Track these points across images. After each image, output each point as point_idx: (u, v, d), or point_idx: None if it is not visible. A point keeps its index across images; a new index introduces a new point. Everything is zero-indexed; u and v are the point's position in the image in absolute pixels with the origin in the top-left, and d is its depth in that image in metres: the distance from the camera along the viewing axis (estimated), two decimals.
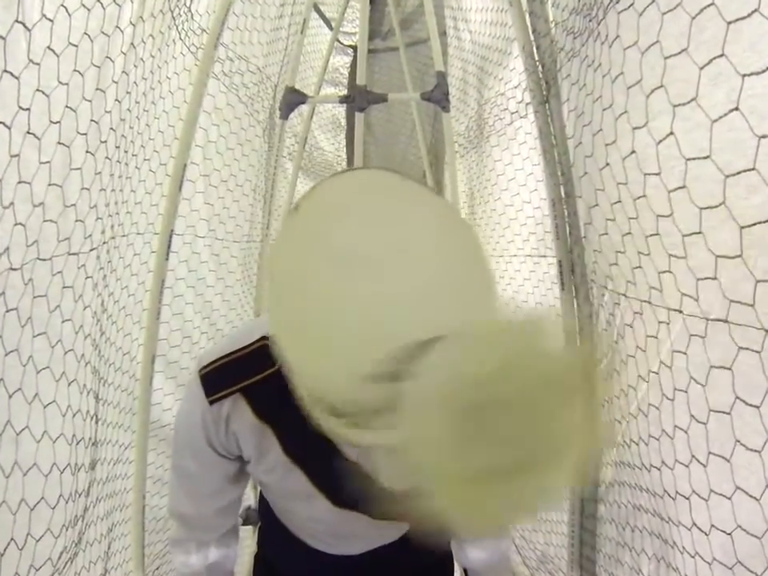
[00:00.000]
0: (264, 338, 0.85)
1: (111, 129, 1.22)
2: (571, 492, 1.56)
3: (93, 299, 1.25)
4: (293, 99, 2.28)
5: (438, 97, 2.13)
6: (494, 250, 2.22)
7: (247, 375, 0.85)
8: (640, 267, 1.05)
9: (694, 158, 0.82)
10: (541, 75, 1.55)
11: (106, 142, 1.19)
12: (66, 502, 1.16)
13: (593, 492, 1.49)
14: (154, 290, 1.56)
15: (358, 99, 2.19)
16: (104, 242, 1.28)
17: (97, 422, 1.32)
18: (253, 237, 2.34)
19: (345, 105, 3.02)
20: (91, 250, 1.21)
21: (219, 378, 0.87)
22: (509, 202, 2.05)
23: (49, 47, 0.93)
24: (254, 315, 2.40)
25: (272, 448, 0.89)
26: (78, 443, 1.21)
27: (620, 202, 1.08)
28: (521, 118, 1.87)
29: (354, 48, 3.07)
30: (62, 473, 1.14)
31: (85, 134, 1.11)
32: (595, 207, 1.24)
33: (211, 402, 0.86)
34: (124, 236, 1.43)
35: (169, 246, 1.57)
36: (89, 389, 1.26)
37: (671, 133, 0.86)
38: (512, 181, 2.00)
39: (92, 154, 1.14)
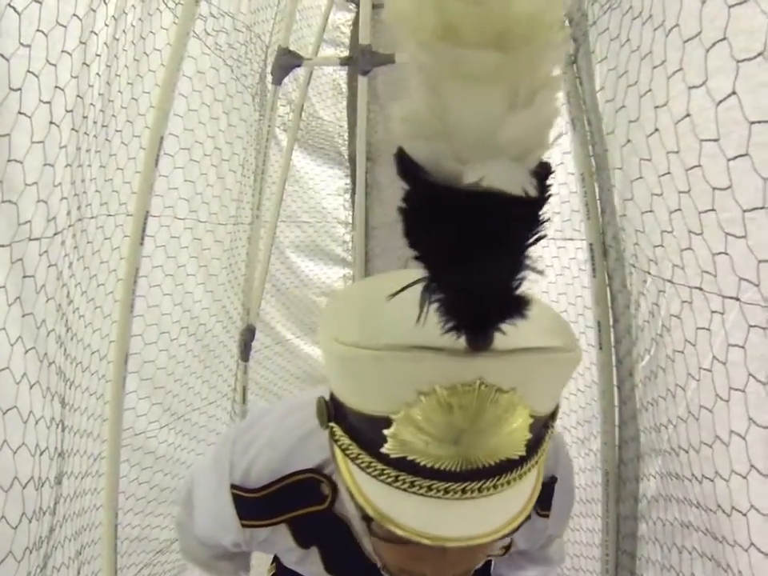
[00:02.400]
0: (312, 470, 0.88)
1: (78, 96, 1.20)
2: (604, 511, 1.56)
3: (57, 290, 1.24)
4: (287, 62, 2.26)
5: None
6: None
7: (291, 508, 0.89)
8: (690, 249, 1.04)
9: (758, 122, 0.80)
10: (569, 32, 1.52)
11: (72, 111, 1.18)
12: (30, 521, 1.15)
13: (632, 508, 1.47)
14: (126, 280, 1.54)
15: (361, 61, 2.17)
16: (70, 225, 1.26)
17: (63, 430, 1.31)
18: (241, 219, 2.33)
19: (347, 67, 2.99)
20: (55, 234, 1.19)
21: (257, 508, 0.90)
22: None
23: None
24: (241, 309, 2.39)
25: (313, 564, 0.95)
26: (41, 454, 1.20)
27: (669, 173, 1.06)
28: None
29: (357, 2, 3.04)
30: (24, 488, 1.13)
31: (48, 103, 1.09)
32: (638, 180, 1.22)
33: (245, 526, 0.91)
34: (92, 218, 1.41)
35: (144, 230, 1.55)
36: (53, 392, 1.25)
37: (733, 92, 0.84)
38: None
39: (56, 125, 1.13)
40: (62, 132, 1.14)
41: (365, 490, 0.65)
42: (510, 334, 0.56)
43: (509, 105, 0.46)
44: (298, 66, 2.30)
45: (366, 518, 0.67)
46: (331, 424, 0.69)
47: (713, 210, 0.94)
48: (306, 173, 3.10)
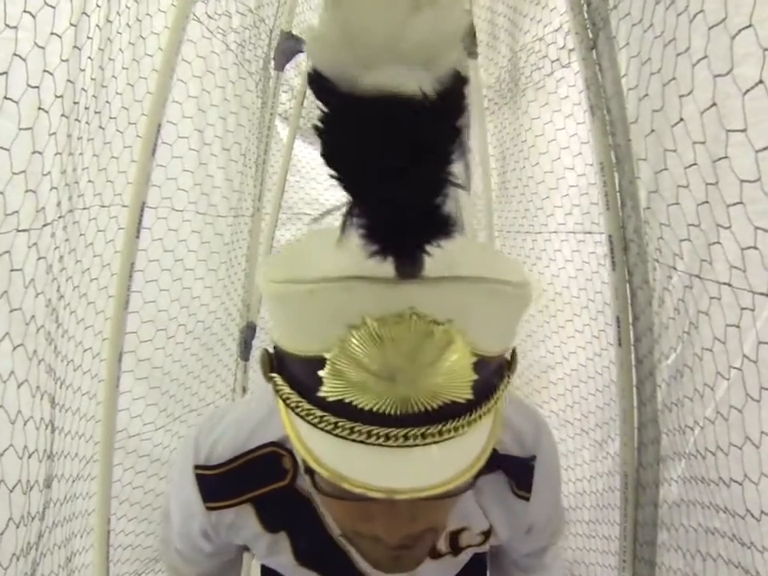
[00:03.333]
0: (273, 443, 0.88)
1: (69, 81, 1.19)
2: (622, 515, 1.55)
3: (47, 284, 1.23)
4: (289, 46, 2.26)
5: (463, 40, 2.10)
6: (530, 226, 2.20)
7: (254, 486, 0.90)
8: (719, 243, 1.04)
9: None
10: (587, 15, 1.52)
11: (62, 96, 1.17)
12: (17, 527, 1.15)
13: (651, 515, 1.47)
14: (121, 274, 1.53)
15: None
16: (60, 216, 1.25)
17: (53, 431, 1.30)
18: (242, 211, 2.32)
19: None
20: (45, 225, 1.18)
21: (220, 486, 0.91)
22: (548, 167, 2.04)
23: None
24: (242, 306, 2.38)
25: (283, 551, 0.95)
26: (30, 456, 1.19)
27: (696, 164, 1.06)
28: (563, 67, 1.86)
29: None
30: (11, 491, 1.12)
31: (36, 87, 1.08)
32: (663, 172, 1.22)
33: (209, 509, 0.91)
34: (85, 209, 1.40)
35: (140, 222, 1.54)
36: (43, 392, 1.24)
37: (760, 81, 0.84)
38: (552, 143, 1.99)
39: (45, 111, 1.12)
40: (52, 118, 1.13)
41: (307, 442, 0.65)
42: (449, 266, 0.57)
43: (411, 6, 0.47)
44: (302, 51, 2.29)
45: (310, 472, 0.67)
46: (273, 375, 0.69)
47: (741, 202, 0.94)
48: (308, 163, 3.09)
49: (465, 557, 1.01)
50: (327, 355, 0.60)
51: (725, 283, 1.04)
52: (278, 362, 0.70)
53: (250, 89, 2.26)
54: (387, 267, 0.56)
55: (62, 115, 1.18)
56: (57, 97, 1.15)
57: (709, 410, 1.15)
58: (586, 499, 1.94)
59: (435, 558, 0.97)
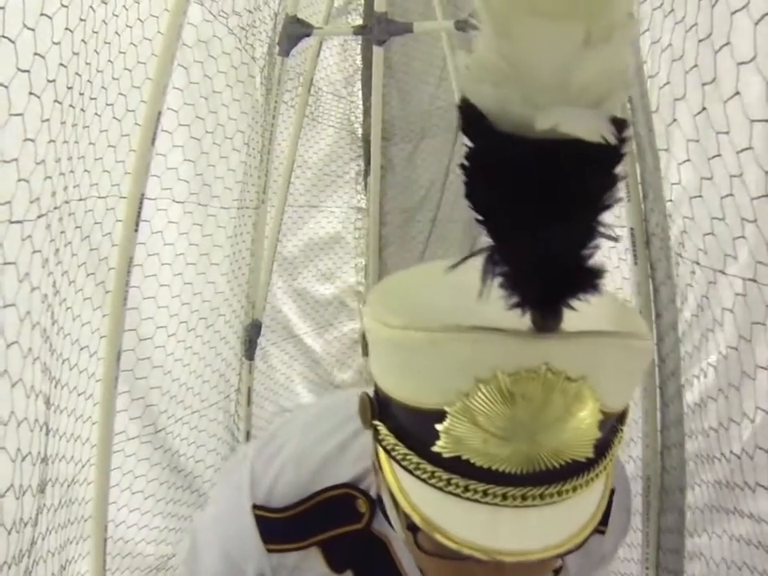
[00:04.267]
0: (347, 485, 0.85)
1: (62, 65, 1.18)
2: (644, 521, 1.54)
3: (42, 279, 1.22)
4: (295, 31, 2.26)
5: (476, 25, 2.09)
6: None
7: (325, 529, 0.86)
8: (743, 237, 1.03)
9: None
10: None
11: (55, 81, 1.16)
12: (9, 533, 1.14)
13: (675, 521, 1.46)
14: (119, 269, 1.54)
15: (376, 30, 2.16)
16: (55, 207, 1.25)
17: (47, 434, 1.30)
18: (246, 203, 2.32)
19: (360, 38, 2.99)
20: (39, 217, 1.18)
21: (285, 529, 0.87)
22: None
23: None
24: (246, 302, 2.38)
25: None
26: (23, 459, 1.19)
27: (719, 155, 1.06)
28: None
29: None
30: (2, 496, 1.12)
31: (27, 71, 1.08)
32: (686, 163, 1.22)
33: (271, 551, 0.88)
34: (81, 200, 1.40)
35: (139, 214, 1.55)
36: (37, 392, 1.24)
37: None
38: None
39: (37, 97, 1.11)
40: (44, 104, 1.13)
41: (412, 497, 0.63)
42: (576, 318, 0.54)
43: (583, 42, 0.45)
44: (308, 35, 2.30)
45: (412, 529, 0.65)
46: (375, 422, 0.68)
47: (766, 195, 0.94)
48: (315, 153, 3.08)
49: None
50: (448, 409, 0.58)
51: (750, 279, 1.04)
52: (380, 408, 0.68)
53: (254, 75, 2.26)
54: (519, 318, 0.54)
55: (55, 101, 1.17)
56: (49, 81, 1.14)
57: (734, 411, 1.15)
58: None
59: None
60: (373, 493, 0.83)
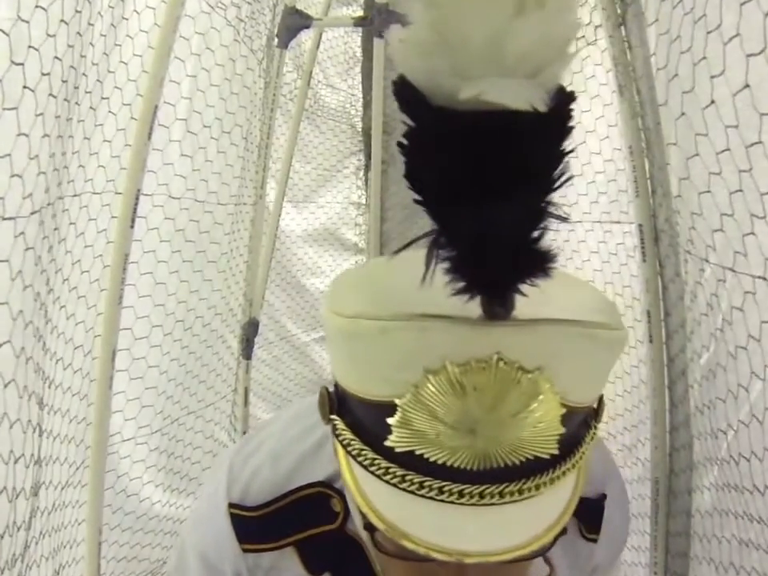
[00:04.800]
0: (321, 483, 0.85)
1: (56, 58, 1.18)
2: (652, 524, 1.54)
3: (35, 277, 1.22)
4: (294, 22, 2.25)
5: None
6: None
7: (299, 529, 0.86)
8: (752, 234, 1.03)
9: None
10: None
11: (49, 74, 1.16)
12: (2, 537, 1.14)
13: (683, 524, 1.46)
14: (115, 266, 1.53)
15: (377, 21, 2.15)
16: (49, 204, 1.24)
17: (41, 435, 1.29)
18: (243, 199, 2.31)
19: (361, 29, 2.98)
20: (32, 213, 1.17)
21: (259, 528, 0.87)
22: (573, 153, 2.01)
23: None
24: (243, 300, 2.38)
25: None
26: (16, 461, 1.19)
27: (728, 150, 1.05)
28: (588, 45, 1.83)
29: None
30: None
31: (21, 65, 1.07)
32: (694, 158, 1.21)
33: (246, 551, 0.87)
34: (76, 196, 1.40)
35: (134, 210, 1.54)
36: (30, 392, 1.23)
37: None
38: (577, 126, 1.95)
39: (31, 90, 1.10)
40: (38, 98, 1.12)
41: (369, 495, 0.63)
42: (538, 305, 0.53)
43: (516, 9, 0.44)
44: (307, 27, 2.28)
45: (371, 528, 0.64)
46: (333, 417, 0.67)
47: None
48: (315, 147, 3.08)
49: None
50: (398, 401, 0.58)
51: (759, 277, 1.03)
52: (339, 404, 0.68)
53: (252, 68, 2.26)
54: (471, 306, 0.54)
55: (50, 95, 1.17)
56: (43, 75, 1.14)
57: (743, 413, 1.14)
58: None
59: None
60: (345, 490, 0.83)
